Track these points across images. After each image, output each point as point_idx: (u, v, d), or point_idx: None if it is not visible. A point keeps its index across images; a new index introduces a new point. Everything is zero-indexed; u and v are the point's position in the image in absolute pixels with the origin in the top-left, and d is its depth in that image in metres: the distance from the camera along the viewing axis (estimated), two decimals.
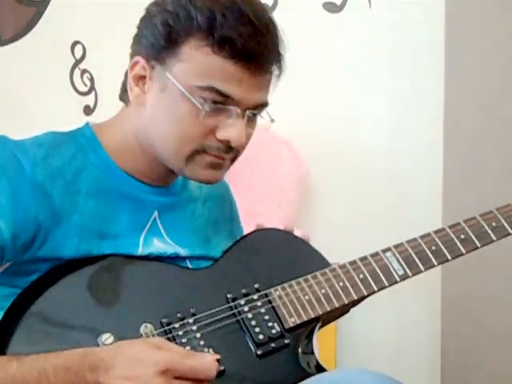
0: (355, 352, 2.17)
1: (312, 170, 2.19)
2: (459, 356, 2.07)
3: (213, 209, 1.34)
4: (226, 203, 1.40)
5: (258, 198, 2.08)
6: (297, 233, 1.33)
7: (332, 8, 2.22)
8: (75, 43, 2.55)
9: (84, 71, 2.55)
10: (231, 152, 1.16)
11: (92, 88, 2.54)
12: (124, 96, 1.21)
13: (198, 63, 1.11)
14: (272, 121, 1.20)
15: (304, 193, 2.20)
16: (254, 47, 1.10)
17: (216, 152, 1.14)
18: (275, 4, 2.20)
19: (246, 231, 1.45)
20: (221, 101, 1.11)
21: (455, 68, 2.08)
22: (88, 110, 2.54)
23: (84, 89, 2.55)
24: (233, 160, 1.19)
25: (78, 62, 2.56)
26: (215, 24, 1.09)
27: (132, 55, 1.18)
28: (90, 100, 2.54)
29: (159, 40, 1.12)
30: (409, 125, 2.15)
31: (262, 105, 1.16)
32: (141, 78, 1.16)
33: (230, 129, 1.12)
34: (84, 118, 2.51)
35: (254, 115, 1.16)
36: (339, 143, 2.21)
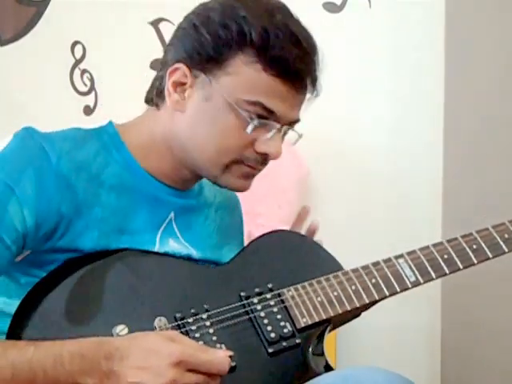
0: (355, 352, 2.17)
1: (312, 169, 2.19)
2: (459, 356, 2.07)
3: (224, 218, 1.35)
4: (236, 216, 1.42)
5: (258, 198, 2.08)
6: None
7: (332, 8, 2.22)
8: (75, 43, 2.56)
9: (84, 71, 2.55)
10: (265, 163, 1.20)
11: (92, 88, 2.54)
12: (155, 99, 1.22)
13: (247, 78, 1.14)
14: (300, 136, 1.24)
15: (304, 193, 2.20)
16: (303, 68, 1.16)
17: (253, 163, 1.18)
18: None
19: (246, 231, 1.46)
20: (265, 115, 1.15)
21: (455, 68, 2.08)
22: (88, 110, 2.54)
23: (84, 89, 2.55)
24: (261, 171, 1.23)
25: (78, 61, 2.56)
26: (268, 43, 1.12)
27: (171, 61, 1.19)
28: (90, 100, 2.54)
29: (206, 49, 1.15)
30: (409, 125, 2.16)
31: (297, 121, 1.22)
32: (180, 85, 1.17)
33: (270, 143, 1.17)
34: (84, 118, 2.51)
35: (288, 129, 1.21)
36: (339, 143, 2.21)
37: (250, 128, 1.14)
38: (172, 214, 1.24)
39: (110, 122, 1.24)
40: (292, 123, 1.20)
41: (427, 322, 2.14)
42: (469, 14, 2.08)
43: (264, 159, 1.19)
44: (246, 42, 1.13)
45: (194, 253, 1.25)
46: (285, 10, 1.18)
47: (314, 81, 1.20)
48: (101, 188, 1.16)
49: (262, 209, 2.07)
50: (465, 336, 2.06)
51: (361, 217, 2.16)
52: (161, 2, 2.39)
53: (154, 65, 2.30)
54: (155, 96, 1.22)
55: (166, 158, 1.21)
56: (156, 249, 1.20)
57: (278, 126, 1.16)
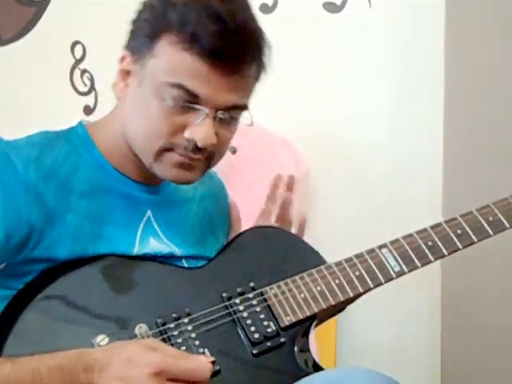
0: (355, 352, 2.17)
1: (312, 169, 2.19)
2: (459, 355, 2.06)
3: (208, 208, 1.33)
4: (222, 203, 1.40)
5: (257, 198, 2.08)
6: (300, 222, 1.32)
7: (332, 8, 2.22)
8: (75, 43, 2.55)
9: (84, 71, 2.55)
10: (200, 153, 1.14)
11: (92, 88, 2.54)
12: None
13: (169, 59, 1.10)
14: (249, 125, 1.18)
15: (304, 192, 2.20)
16: (223, 46, 1.08)
17: (183, 151, 1.13)
18: (275, 4, 2.20)
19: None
20: (190, 99, 1.10)
21: (455, 68, 2.08)
22: (88, 110, 2.54)
23: (84, 89, 2.55)
24: (208, 161, 1.17)
25: (77, 61, 2.56)
26: (187, 20, 1.08)
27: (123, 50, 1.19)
28: (89, 100, 2.54)
29: (140, 35, 1.14)
30: (409, 124, 2.15)
31: (237, 107, 1.15)
32: (127, 73, 1.17)
33: (197, 128, 1.11)
34: (84, 118, 2.50)
35: (231, 118, 1.15)
36: (339, 142, 2.21)
37: (165, 109, 1.10)
38: (149, 212, 1.22)
39: (80, 122, 1.22)
40: (230, 108, 1.13)
41: (427, 321, 2.14)
42: (469, 13, 2.08)
43: (195, 147, 1.12)
44: (169, 22, 1.10)
45: (177, 250, 1.23)
46: None
47: (249, 62, 1.12)
48: (71, 194, 1.14)
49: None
50: (465, 336, 2.06)
51: (361, 216, 2.16)
52: None
53: None
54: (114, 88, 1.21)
55: (127, 154, 1.19)
56: (135, 250, 1.18)
57: (206, 110, 1.10)
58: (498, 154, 2.03)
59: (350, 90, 2.20)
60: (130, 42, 1.17)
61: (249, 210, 1.90)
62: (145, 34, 1.13)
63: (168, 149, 1.14)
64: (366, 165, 2.19)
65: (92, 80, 2.54)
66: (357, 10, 2.19)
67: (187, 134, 1.12)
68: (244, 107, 1.16)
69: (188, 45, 1.08)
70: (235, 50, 1.09)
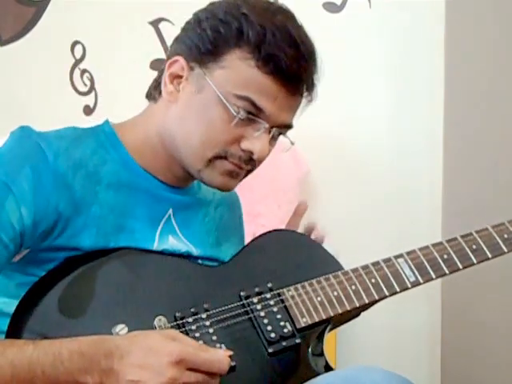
0: (355, 352, 2.17)
1: (312, 169, 2.19)
2: (459, 356, 2.07)
3: (223, 215, 1.36)
4: (236, 213, 1.42)
5: (257, 198, 2.08)
6: (315, 232, 1.34)
7: (332, 8, 2.22)
8: (75, 43, 2.56)
9: (84, 71, 2.55)
10: (250, 163, 1.19)
11: (92, 88, 2.54)
12: (153, 92, 1.24)
13: (239, 73, 1.14)
14: (292, 143, 1.24)
15: (304, 192, 2.20)
16: (295, 69, 1.15)
17: (237, 160, 1.17)
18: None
19: (246, 231, 1.46)
20: (253, 112, 1.15)
21: (455, 68, 2.08)
22: (88, 110, 2.54)
23: (84, 89, 2.55)
24: (248, 172, 1.22)
25: (77, 61, 2.56)
26: (264, 40, 1.13)
27: (171, 54, 1.21)
28: (89, 100, 2.54)
29: (205, 44, 1.16)
30: (409, 124, 2.16)
31: (288, 126, 1.21)
32: (177, 77, 1.19)
33: (256, 141, 1.16)
34: (84, 118, 2.51)
35: (279, 134, 1.20)
36: (339, 142, 2.21)
37: (235, 121, 1.14)
38: (170, 211, 1.24)
39: (107, 121, 1.25)
40: (283, 127, 1.20)
41: (427, 321, 2.14)
42: (469, 13, 2.08)
43: (249, 158, 1.18)
44: (243, 38, 1.14)
45: (194, 250, 1.25)
46: (287, 13, 1.19)
47: (309, 86, 1.20)
48: (98, 185, 1.16)
49: (262, 208, 2.08)
50: (465, 336, 2.06)
51: (361, 216, 2.16)
52: (161, 2, 2.39)
53: (154, 65, 2.30)
54: (153, 89, 1.23)
55: (159, 155, 1.21)
56: (155, 246, 1.20)
57: (267, 125, 1.16)
58: (497, 154, 2.03)
59: (350, 90, 2.20)
60: (183, 48, 1.19)
61: (248, 211, 1.90)
62: (211, 43, 1.16)
63: (221, 157, 1.17)
64: (366, 165, 2.19)
65: (92, 80, 2.54)
66: (357, 9, 2.19)
67: (245, 145, 1.16)
68: (291, 126, 1.22)
69: (261, 63, 1.13)
70: (304, 74, 1.17)
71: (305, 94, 1.21)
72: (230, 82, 1.14)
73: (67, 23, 2.56)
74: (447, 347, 2.09)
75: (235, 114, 1.14)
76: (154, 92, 1.23)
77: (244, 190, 1.98)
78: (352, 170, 2.20)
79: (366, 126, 2.20)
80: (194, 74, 1.17)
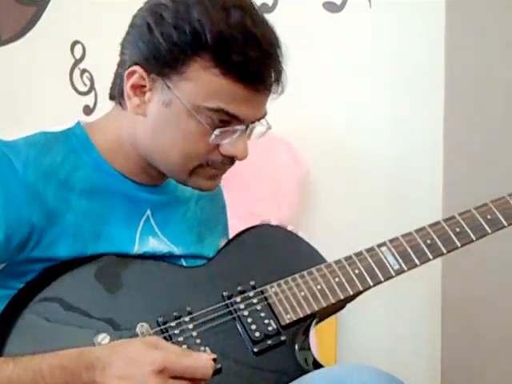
0: (355, 350, 2.17)
1: (312, 169, 2.19)
2: (459, 353, 2.07)
3: (205, 208, 1.34)
4: (219, 203, 1.41)
5: (257, 199, 2.08)
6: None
7: (332, 8, 2.22)
8: (75, 43, 2.56)
9: (84, 71, 2.55)
10: (232, 163, 1.18)
11: (92, 88, 2.54)
12: (117, 97, 1.20)
13: (205, 84, 1.10)
14: (269, 127, 1.21)
15: (304, 193, 2.20)
16: (262, 70, 1.12)
17: (220, 166, 1.17)
18: (275, 4, 2.20)
19: None
20: (227, 120, 1.12)
21: (455, 67, 2.08)
22: (88, 110, 2.54)
23: (84, 89, 2.55)
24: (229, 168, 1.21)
25: (77, 61, 2.56)
26: (226, 47, 1.08)
27: (125, 61, 1.16)
28: (89, 100, 2.54)
29: (163, 55, 1.10)
30: (409, 125, 2.16)
31: (262, 117, 1.19)
32: (139, 87, 1.14)
33: (236, 145, 1.14)
34: (84, 117, 2.51)
35: (254, 126, 1.19)
36: (339, 143, 2.21)
37: (212, 137, 1.12)
38: (148, 211, 1.22)
39: (78, 123, 1.22)
40: (257, 121, 1.18)
41: (427, 321, 2.14)
42: (469, 13, 2.08)
43: (231, 161, 1.17)
44: (201, 45, 1.08)
45: (175, 249, 1.23)
46: (242, 5, 1.11)
47: (278, 78, 1.16)
48: (71, 193, 1.14)
49: (261, 209, 2.07)
50: (465, 336, 2.06)
51: (361, 216, 2.16)
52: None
53: None
54: (118, 95, 1.19)
55: (132, 158, 1.20)
56: (135, 249, 1.18)
57: (243, 127, 1.14)
58: (498, 154, 2.03)
59: (350, 90, 2.20)
60: (138, 56, 1.13)
61: (248, 210, 1.90)
62: (169, 55, 1.10)
63: (203, 165, 1.16)
64: (366, 165, 2.19)
65: (92, 80, 2.54)
66: (357, 9, 2.19)
67: (226, 151, 1.14)
68: (265, 114, 1.19)
69: (226, 71, 1.09)
70: (272, 72, 1.13)
71: (274, 85, 1.16)
72: (198, 95, 1.10)
73: (67, 23, 2.56)
74: (447, 345, 2.09)
75: (211, 130, 1.11)
76: (118, 97, 1.19)
77: (243, 190, 1.98)
78: (352, 170, 2.20)
79: (366, 126, 2.20)
80: (158, 85, 1.12)
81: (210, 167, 1.16)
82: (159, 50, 1.10)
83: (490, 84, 2.05)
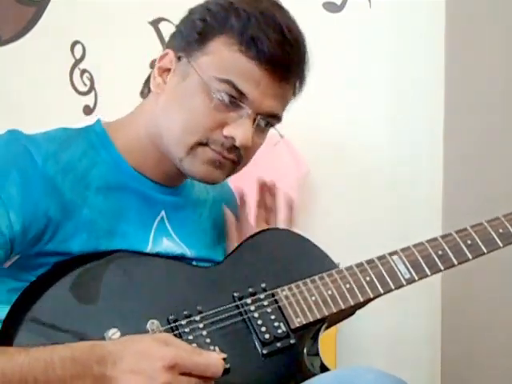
0: (355, 352, 2.17)
1: (312, 170, 2.19)
2: (459, 356, 2.07)
3: (219, 213, 1.35)
4: (232, 210, 1.40)
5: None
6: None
7: (332, 8, 2.22)
8: (75, 43, 2.56)
9: (84, 71, 2.55)
10: (233, 152, 1.17)
11: (92, 88, 2.54)
12: (144, 91, 1.25)
13: (222, 58, 1.14)
14: (281, 136, 1.23)
15: (304, 193, 2.20)
16: (279, 54, 1.13)
17: (219, 148, 1.16)
18: None
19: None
20: (235, 96, 1.13)
21: (456, 68, 2.08)
22: (88, 110, 2.54)
23: (84, 89, 2.55)
24: (235, 165, 1.20)
25: (77, 61, 2.56)
26: (248, 25, 1.13)
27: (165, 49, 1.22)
28: (89, 100, 2.54)
29: (193, 34, 1.16)
30: (409, 125, 2.16)
31: (275, 116, 1.19)
32: (166, 71, 1.19)
33: (238, 127, 1.14)
34: (84, 117, 2.51)
35: (266, 124, 1.19)
36: (339, 143, 2.21)
37: (214, 102, 1.13)
38: (163, 212, 1.23)
39: (98, 121, 1.23)
40: (269, 116, 1.17)
41: (427, 321, 2.14)
42: (469, 13, 2.08)
43: (231, 145, 1.15)
44: (228, 25, 1.14)
45: (188, 251, 1.24)
46: (276, 2, 1.18)
47: (297, 75, 1.19)
48: (88, 190, 1.15)
49: None
50: (465, 336, 2.06)
51: (360, 217, 2.16)
52: (161, 2, 2.39)
53: (154, 65, 2.30)
54: (144, 86, 1.24)
55: (150, 153, 1.21)
56: (149, 248, 1.19)
57: (249, 111, 1.14)
58: (498, 154, 2.03)
59: (350, 90, 2.20)
60: (174, 42, 1.20)
61: (248, 211, 1.89)
62: (197, 32, 1.16)
63: (203, 144, 1.16)
64: (366, 167, 2.19)
65: (92, 80, 2.54)
66: (357, 9, 2.19)
67: (227, 131, 1.15)
68: (280, 118, 1.20)
69: (245, 47, 1.12)
70: (289, 59, 1.15)
71: (293, 82, 1.19)
72: (212, 67, 1.14)
73: (67, 23, 2.56)
74: (447, 346, 2.09)
75: (215, 96, 1.13)
76: (144, 87, 1.25)
77: (244, 190, 1.97)
78: (352, 170, 2.20)
79: (366, 126, 2.20)
80: (181, 63, 1.17)
81: (209, 148, 1.16)
82: (191, 31, 1.17)
83: (490, 84, 2.05)
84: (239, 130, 1.14)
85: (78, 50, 2.55)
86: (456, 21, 2.07)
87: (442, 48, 2.08)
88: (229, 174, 1.22)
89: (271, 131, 1.22)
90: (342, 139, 2.21)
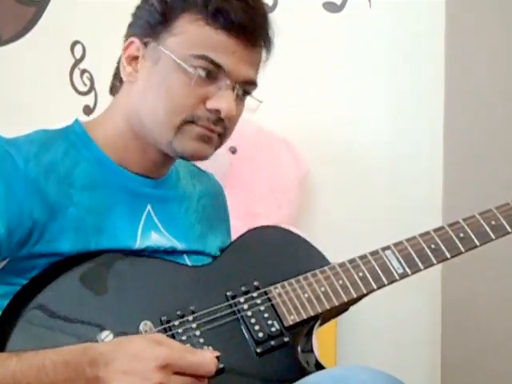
0: (355, 352, 2.17)
1: (312, 169, 2.19)
2: (459, 355, 2.06)
3: (207, 207, 1.34)
4: (221, 204, 1.41)
5: (257, 198, 2.08)
6: None
7: (332, 8, 2.22)
8: (75, 43, 2.55)
9: (84, 71, 2.55)
10: (219, 125, 1.17)
11: (92, 88, 2.54)
12: (115, 86, 1.24)
13: (191, 35, 1.15)
14: (260, 102, 1.22)
15: (304, 192, 2.20)
16: (246, 20, 1.14)
17: (206, 123, 1.16)
18: (275, 4, 2.20)
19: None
20: (212, 70, 1.14)
21: (455, 68, 2.08)
22: (88, 110, 2.54)
23: (84, 89, 2.55)
24: (220, 137, 1.20)
25: (77, 61, 2.56)
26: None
27: (126, 38, 1.22)
28: (89, 100, 2.54)
29: (155, 17, 1.17)
30: (409, 125, 2.16)
31: (252, 82, 1.19)
32: (134, 59, 1.19)
33: (220, 99, 1.15)
34: (84, 117, 2.50)
35: (244, 93, 1.19)
36: (339, 143, 2.21)
37: (194, 79, 1.13)
38: (149, 206, 1.22)
39: (76, 120, 1.23)
40: (246, 83, 1.18)
41: (427, 321, 2.14)
42: (469, 13, 2.08)
43: (217, 118, 1.16)
44: (190, 1, 1.14)
45: (178, 245, 1.23)
46: None
47: (264, 37, 1.20)
48: (72, 188, 1.15)
49: (262, 209, 2.07)
50: (465, 336, 2.06)
51: (361, 216, 2.16)
52: None
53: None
54: (113, 81, 1.25)
55: (131, 144, 1.21)
56: (137, 243, 1.18)
57: (228, 82, 1.15)
58: (498, 155, 2.03)
59: (350, 90, 2.20)
60: (137, 28, 1.20)
61: (249, 211, 1.90)
62: (160, 15, 1.16)
63: (189, 122, 1.16)
64: (366, 165, 2.19)
65: (92, 80, 2.54)
66: (357, 9, 2.19)
67: (210, 104, 1.15)
68: (256, 84, 1.21)
69: (211, 20, 1.13)
70: (255, 24, 1.16)
71: (262, 44, 1.20)
72: (184, 46, 1.15)
73: (67, 23, 2.56)
74: (447, 345, 2.09)
75: (193, 72, 1.13)
76: (114, 82, 1.24)
77: (244, 190, 1.98)
78: (352, 170, 2.20)
79: (366, 125, 2.20)
80: (149, 48, 1.18)
81: (196, 125, 1.16)
82: (152, 14, 1.17)
83: (490, 84, 2.05)
84: (222, 102, 1.15)
85: (78, 50, 2.55)
86: (456, 21, 2.07)
87: (442, 48, 2.08)
88: (216, 148, 1.22)
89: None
90: (342, 139, 2.21)
